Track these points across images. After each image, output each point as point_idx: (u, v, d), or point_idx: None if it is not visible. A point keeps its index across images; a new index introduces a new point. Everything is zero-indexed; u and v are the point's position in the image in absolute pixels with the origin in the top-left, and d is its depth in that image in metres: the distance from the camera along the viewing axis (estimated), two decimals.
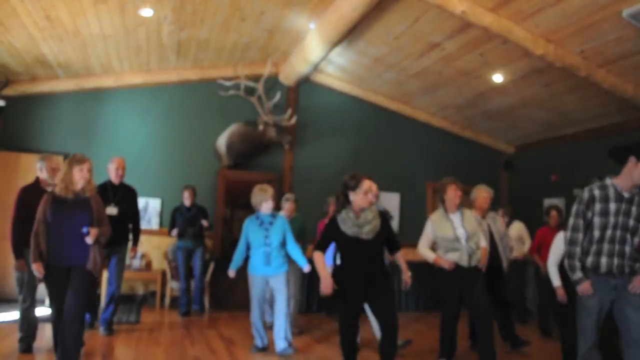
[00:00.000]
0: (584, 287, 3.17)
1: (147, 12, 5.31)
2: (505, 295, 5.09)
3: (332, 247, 4.88)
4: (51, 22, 5.29)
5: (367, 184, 3.38)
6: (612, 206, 3.14)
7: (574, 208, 3.26)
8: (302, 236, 5.57)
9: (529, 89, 6.73)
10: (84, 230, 3.51)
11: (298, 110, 7.79)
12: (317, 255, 3.43)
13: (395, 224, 7.87)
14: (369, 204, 3.43)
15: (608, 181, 3.22)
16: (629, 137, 6.97)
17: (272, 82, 7.65)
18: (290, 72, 7.43)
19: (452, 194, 4.35)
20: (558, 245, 4.21)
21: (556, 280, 4.22)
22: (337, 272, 3.46)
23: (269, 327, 5.10)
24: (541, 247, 6.02)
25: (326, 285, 3.30)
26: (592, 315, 3.17)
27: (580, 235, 3.22)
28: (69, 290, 3.49)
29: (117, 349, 4.56)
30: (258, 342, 4.64)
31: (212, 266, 6.82)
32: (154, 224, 7.17)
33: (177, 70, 7.29)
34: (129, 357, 4.33)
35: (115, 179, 5.13)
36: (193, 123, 7.47)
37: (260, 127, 7.20)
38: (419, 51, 6.36)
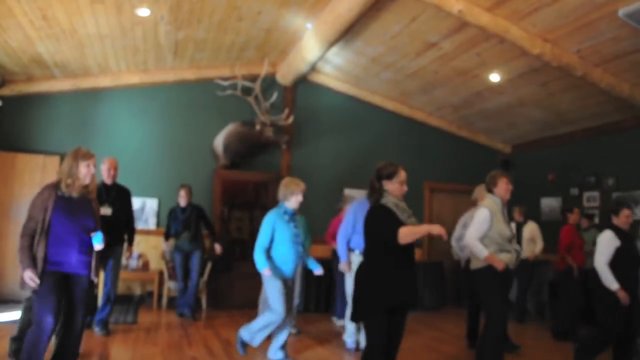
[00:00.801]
0: None
1: (144, 11, 5.29)
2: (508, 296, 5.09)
3: (343, 238, 4.80)
4: (48, 22, 5.27)
5: (403, 174, 3.13)
6: None
7: None
8: (307, 238, 5.49)
9: (525, 89, 6.75)
10: (96, 236, 3.25)
11: (295, 109, 7.79)
12: (405, 229, 2.90)
13: None
14: (402, 196, 3.15)
15: None
16: (625, 136, 7.01)
17: (269, 82, 7.64)
18: (288, 71, 7.43)
19: (505, 187, 3.96)
20: (606, 245, 4.06)
21: (614, 283, 3.98)
22: (390, 273, 2.99)
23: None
24: (572, 248, 5.94)
25: (436, 228, 2.87)
26: None
27: None
28: (75, 304, 3.27)
29: (114, 349, 4.55)
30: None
31: (209, 266, 6.81)
32: (151, 224, 7.16)
33: (174, 70, 7.28)
34: (126, 357, 4.32)
35: (107, 179, 5.10)
36: (190, 123, 7.46)
37: (258, 127, 7.19)
38: (416, 51, 6.36)
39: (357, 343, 4.87)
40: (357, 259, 4.68)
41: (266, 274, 4.13)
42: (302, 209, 6.45)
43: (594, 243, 4.57)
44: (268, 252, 4.21)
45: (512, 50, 5.71)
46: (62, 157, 6.15)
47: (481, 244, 3.78)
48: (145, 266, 7.02)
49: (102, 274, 5.20)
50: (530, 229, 6.70)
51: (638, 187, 6.77)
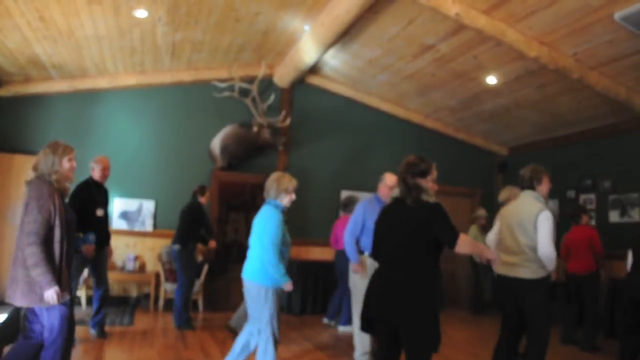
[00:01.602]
0: None
1: (141, 13, 5.29)
2: None
3: (351, 238, 4.45)
4: (45, 23, 5.26)
5: (435, 172, 2.88)
6: None
7: None
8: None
9: (522, 91, 6.77)
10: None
11: (292, 111, 7.79)
12: (468, 238, 2.73)
13: None
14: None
15: None
16: (622, 138, 7.03)
17: (267, 84, 7.65)
18: (285, 73, 7.44)
19: (549, 185, 3.67)
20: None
21: None
22: (437, 279, 2.74)
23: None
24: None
25: (491, 254, 2.79)
26: None
27: None
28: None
29: (110, 351, 4.54)
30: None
31: (205, 268, 6.80)
32: (148, 226, 7.14)
33: (172, 72, 7.27)
34: (122, 359, 4.31)
35: (101, 179, 4.95)
36: (187, 124, 7.45)
37: (255, 129, 7.19)
38: (413, 53, 6.38)
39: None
40: (369, 261, 4.31)
41: (288, 288, 3.47)
42: (299, 211, 6.49)
43: None
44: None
45: (509, 53, 5.73)
46: None
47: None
48: (142, 268, 7.01)
49: (92, 278, 5.10)
50: None
51: (634, 189, 6.79)
